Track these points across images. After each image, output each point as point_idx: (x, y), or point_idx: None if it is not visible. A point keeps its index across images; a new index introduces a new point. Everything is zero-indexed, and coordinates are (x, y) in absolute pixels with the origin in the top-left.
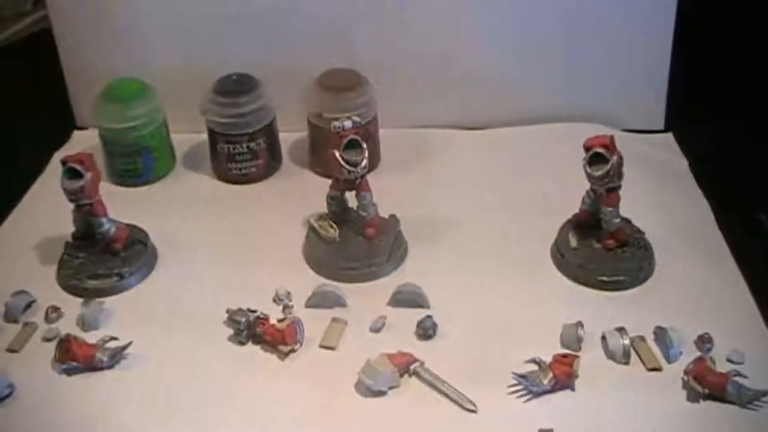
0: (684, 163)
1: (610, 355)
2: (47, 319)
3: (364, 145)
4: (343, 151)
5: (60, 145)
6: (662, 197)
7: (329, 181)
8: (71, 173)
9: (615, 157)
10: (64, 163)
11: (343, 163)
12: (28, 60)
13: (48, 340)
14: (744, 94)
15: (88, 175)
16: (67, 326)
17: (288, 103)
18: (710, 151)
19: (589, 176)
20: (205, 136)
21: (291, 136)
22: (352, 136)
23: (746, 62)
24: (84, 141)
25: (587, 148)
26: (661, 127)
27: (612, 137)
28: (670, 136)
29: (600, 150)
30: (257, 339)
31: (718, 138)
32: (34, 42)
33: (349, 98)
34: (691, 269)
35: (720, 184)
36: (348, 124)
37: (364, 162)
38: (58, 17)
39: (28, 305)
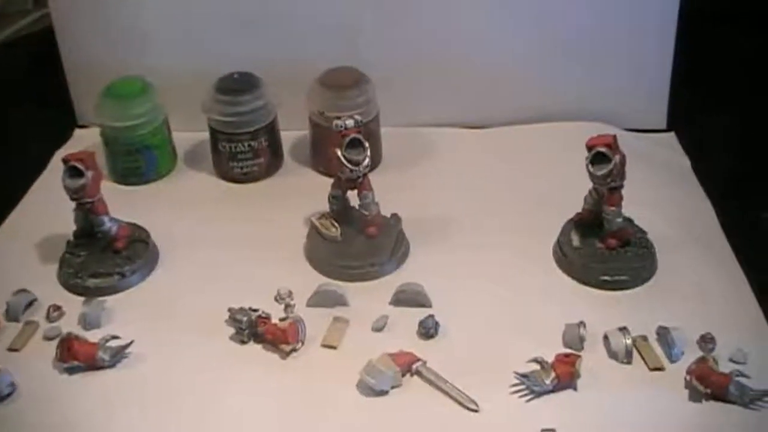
0: (686, 162)
1: (613, 354)
2: (48, 318)
3: (366, 144)
4: (345, 149)
5: (61, 143)
6: (664, 196)
7: (331, 180)
8: (73, 172)
9: (618, 157)
10: (65, 161)
11: (345, 161)
12: (29, 58)
13: (49, 339)
14: (746, 93)
15: (90, 174)
16: (68, 325)
17: (289, 101)
18: (712, 150)
19: (592, 175)
20: (206, 134)
21: (292, 134)
22: (354, 135)
23: (748, 61)
24: (85, 139)
25: (590, 148)
26: (663, 126)
27: (615, 136)
28: (672, 135)
29: (603, 149)
30: (259, 338)
31: (720, 137)
32: (36, 40)
33: (350, 97)
34: (693, 269)
35: (722, 183)
36: (350, 122)
37: (366, 161)
38: (60, 15)
39: (29, 304)
